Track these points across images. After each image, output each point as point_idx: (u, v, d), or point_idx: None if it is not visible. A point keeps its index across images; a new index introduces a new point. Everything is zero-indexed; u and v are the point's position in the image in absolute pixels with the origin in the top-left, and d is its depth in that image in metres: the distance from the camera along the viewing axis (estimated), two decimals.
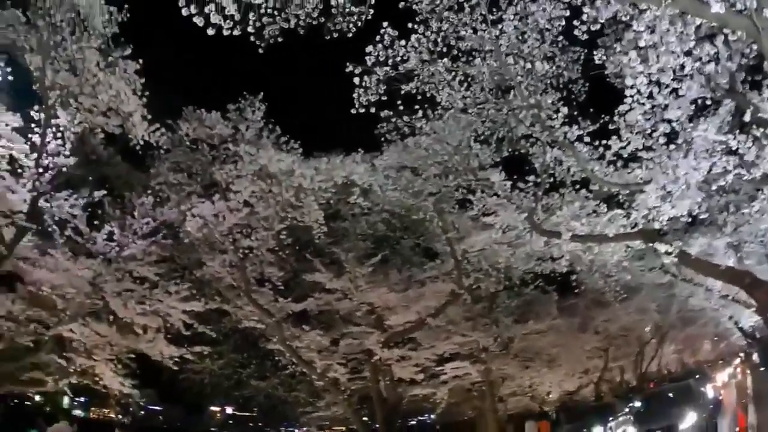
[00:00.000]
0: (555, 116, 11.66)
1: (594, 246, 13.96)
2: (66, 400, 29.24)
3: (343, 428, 30.49)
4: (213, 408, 34.63)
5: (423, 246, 21.84)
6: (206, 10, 7.57)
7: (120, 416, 31.63)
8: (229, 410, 34.22)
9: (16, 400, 25.66)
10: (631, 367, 31.36)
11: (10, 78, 14.28)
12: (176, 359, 17.70)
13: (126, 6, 13.45)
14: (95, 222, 15.87)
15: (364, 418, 23.23)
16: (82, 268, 15.36)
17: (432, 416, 30.37)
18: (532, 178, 13.67)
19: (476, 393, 25.62)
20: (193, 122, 16.00)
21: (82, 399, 31.74)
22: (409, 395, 22.80)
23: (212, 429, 34.29)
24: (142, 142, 14.22)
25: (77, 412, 33.31)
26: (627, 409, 22.05)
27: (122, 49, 13.81)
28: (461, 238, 18.23)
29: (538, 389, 29.87)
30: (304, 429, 30.35)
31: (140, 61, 13.81)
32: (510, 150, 14.77)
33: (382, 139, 14.80)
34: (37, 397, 26.86)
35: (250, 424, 32.68)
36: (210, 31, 7.81)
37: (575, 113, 11.87)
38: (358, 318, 20.20)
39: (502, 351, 23.98)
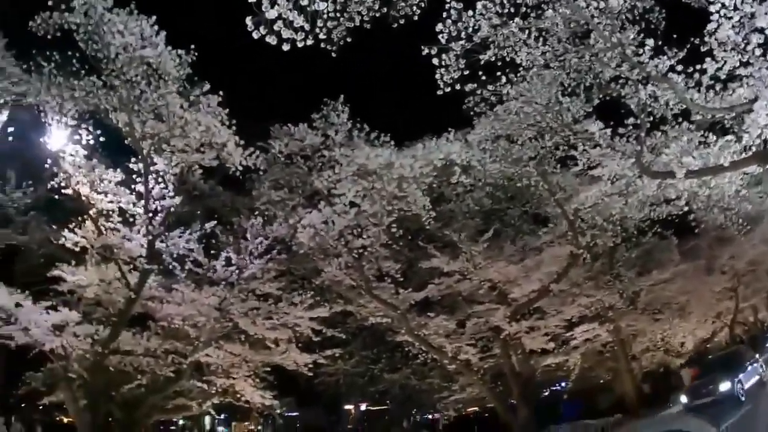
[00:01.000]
0: (641, 51, 10.87)
1: (709, 179, 13.09)
2: (208, 420, 30.76)
3: (476, 408, 30.22)
4: (347, 407, 35.35)
5: (532, 213, 21.18)
6: (276, 27, 7.56)
7: (260, 427, 33.00)
8: (363, 407, 34.81)
9: (161, 427, 27.05)
10: (764, 303, 29.22)
11: (101, 139, 15.12)
12: (310, 365, 18.10)
13: (192, 47, 13.97)
14: (212, 251, 16.50)
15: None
16: (208, 296, 15.97)
17: (565, 384, 29.54)
18: (630, 120, 12.84)
19: (608, 354, 24.67)
20: (284, 138, 16.20)
21: (222, 416, 33.19)
22: (541, 366, 22.24)
23: (348, 427, 35.03)
24: (240, 168, 14.51)
25: (221, 429, 35.05)
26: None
27: (200, 86, 14.25)
28: (569, 197, 17.57)
29: (671, 341, 28.31)
30: (436, 415, 30.44)
31: (220, 93, 14.26)
32: (601, 96, 13.96)
33: (471, 113, 14.37)
34: (181, 421, 28.29)
35: (386, 417, 33.04)
36: (285, 47, 7.80)
37: (660, 44, 10.99)
38: (480, 296, 19.85)
39: (629, 307, 22.99)
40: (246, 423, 36.09)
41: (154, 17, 13.37)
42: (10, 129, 15.97)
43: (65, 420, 29.01)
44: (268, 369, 18.42)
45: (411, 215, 16.23)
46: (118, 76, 13.97)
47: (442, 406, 25.66)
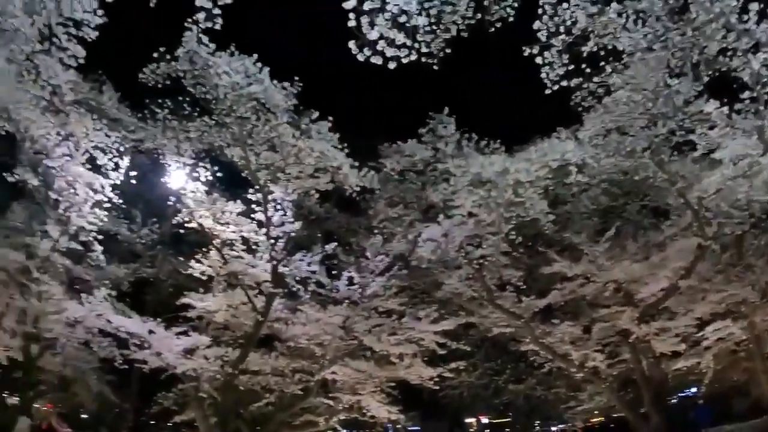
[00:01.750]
0: (745, 17, 10.06)
1: None
2: None
3: (602, 419, 29.00)
4: (468, 420, 35.03)
5: (652, 206, 20.06)
6: (379, 47, 7.66)
7: None
8: (484, 420, 34.38)
9: None
10: None
11: (219, 174, 15.84)
12: (435, 379, 17.95)
13: (296, 78, 14.35)
14: (333, 272, 16.84)
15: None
16: (332, 316, 16.30)
17: (697, 390, 27.80)
18: (746, 94, 11.73)
19: (743, 354, 22.85)
20: (394, 156, 16.30)
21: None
22: (672, 370, 20.94)
23: None
24: (357, 189, 14.66)
25: None
26: None
27: (308, 115, 14.56)
28: (690, 185, 16.37)
29: None
30: (560, 426, 29.46)
31: (329, 118, 14.52)
32: (710, 73, 12.88)
33: (579, 109, 13.86)
34: None
35: (507, 430, 32.43)
36: (391, 65, 7.90)
37: (764, 6, 10.08)
38: (605, 299, 18.92)
39: (763, 300, 21.21)
40: None
41: (255, 55, 13.83)
42: (133, 173, 17.08)
43: None
44: (393, 384, 18.46)
45: (529, 221, 15.78)
46: (228, 114, 14.60)
47: (569, 417, 24.80)
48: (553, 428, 30.70)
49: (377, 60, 7.71)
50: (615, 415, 27.66)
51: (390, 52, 7.74)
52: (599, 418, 28.33)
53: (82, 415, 23.98)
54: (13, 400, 20.27)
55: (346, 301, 16.33)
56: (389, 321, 16.66)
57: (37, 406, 21.66)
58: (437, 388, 18.78)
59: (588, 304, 19.29)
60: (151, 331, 16.86)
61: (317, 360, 16.85)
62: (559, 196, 18.11)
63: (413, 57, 8.04)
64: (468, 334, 19.33)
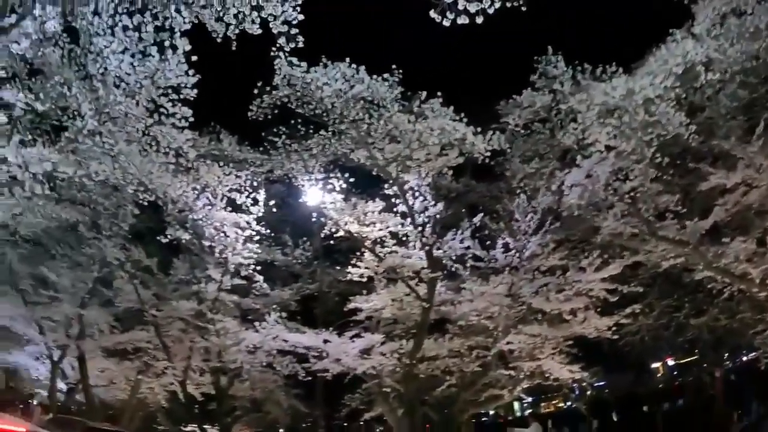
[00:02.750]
0: None
1: None
2: (516, 405, 31.03)
3: None
4: (653, 365, 33.66)
5: None
6: (460, 6, 7.47)
7: (568, 403, 32.62)
8: (670, 362, 32.84)
9: (473, 420, 27.86)
10: None
11: (351, 179, 16.44)
12: (612, 328, 17.34)
13: (393, 66, 14.59)
14: (487, 243, 16.72)
15: None
16: (496, 286, 16.34)
17: None
18: None
19: None
20: (514, 111, 15.98)
21: (529, 400, 33.44)
22: None
23: (660, 386, 33.15)
24: (488, 154, 14.57)
25: (529, 411, 35.43)
26: None
27: (417, 97, 14.72)
28: None
29: None
30: (751, 355, 27.41)
31: (438, 94, 14.57)
32: None
33: (686, 1, 13.21)
34: (491, 411, 29.01)
35: (694, 368, 30.65)
36: (479, 20, 7.59)
37: None
38: None
39: None
40: (554, 401, 36.20)
41: (347, 59, 14.13)
42: (271, 202, 18.03)
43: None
44: (570, 342, 18.03)
45: (670, 138, 14.86)
46: (342, 121, 15.11)
47: (760, 343, 23.01)
48: (744, 358, 28.80)
49: (463, 20, 7.55)
50: None
51: (473, 7, 7.57)
52: None
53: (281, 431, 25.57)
54: (214, 430, 22.01)
55: (507, 268, 16.26)
56: (554, 278, 16.36)
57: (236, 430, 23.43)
58: (616, 337, 18.09)
59: (756, 214, 17.80)
60: (326, 341, 17.74)
61: (490, 333, 16.89)
62: (695, 103, 16.81)
63: (497, 4, 7.79)
64: (637, 275, 18.48)
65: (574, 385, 22.17)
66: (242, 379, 20.70)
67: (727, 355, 28.26)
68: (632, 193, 15.21)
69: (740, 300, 20.70)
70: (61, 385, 25.67)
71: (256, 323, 18.89)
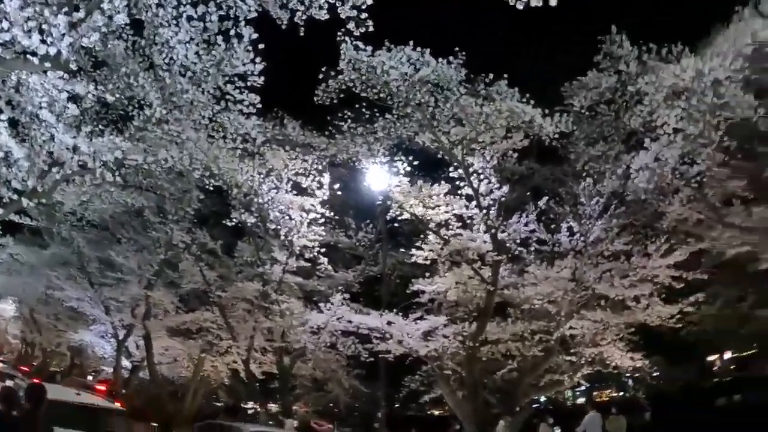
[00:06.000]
0: None
1: None
2: (569, 393, 30.85)
3: None
4: (710, 358, 33.09)
5: None
6: None
7: (622, 393, 32.20)
8: (728, 355, 32.17)
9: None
10: None
11: (415, 162, 16.60)
12: (676, 317, 17.22)
13: (457, 49, 14.68)
14: (551, 226, 16.80)
15: None
16: (560, 270, 16.44)
17: None
18: None
19: None
20: (580, 93, 15.98)
21: (582, 388, 33.29)
22: None
23: (715, 380, 32.55)
24: (555, 136, 14.64)
25: (580, 401, 35.36)
26: None
27: (482, 80, 14.74)
28: None
29: None
30: None
31: (505, 76, 14.65)
32: None
33: None
34: (542, 398, 29.04)
35: (748, 363, 29.98)
36: (553, 1, 7.43)
37: None
38: None
39: None
40: (608, 390, 35.98)
41: (411, 42, 14.25)
42: (336, 186, 18.47)
43: (435, 413, 32.43)
44: (633, 330, 17.97)
45: (739, 121, 14.66)
46: (407, 105, 15.28)
47: None
48: None
49: (537, 2, 7.46)
50: None
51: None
52: None
53: (337, 410, 26.16)
54: (274, 407, 22.72)
55: (571, 252, 16.31)
56: (618, 264, 16.30)
57: (296, 408, 24.13)
58: (679, 326, 17.97)
59: None
60: (389, 323, 18.16)
61: (553, 318, 16.96)
62: (764, 85, 16.60)
63: None
64: (701, 262, 18.30)
65: (629, 374, 21.99)
66: (305, 359, 21.28)
67: None
68: (699, 178, 15.08)
69: None
70: (126, 363, 26.90)
71: (321, 304, 19.43)
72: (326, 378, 22.80)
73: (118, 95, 11.73)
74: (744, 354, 30.83)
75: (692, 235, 16.72)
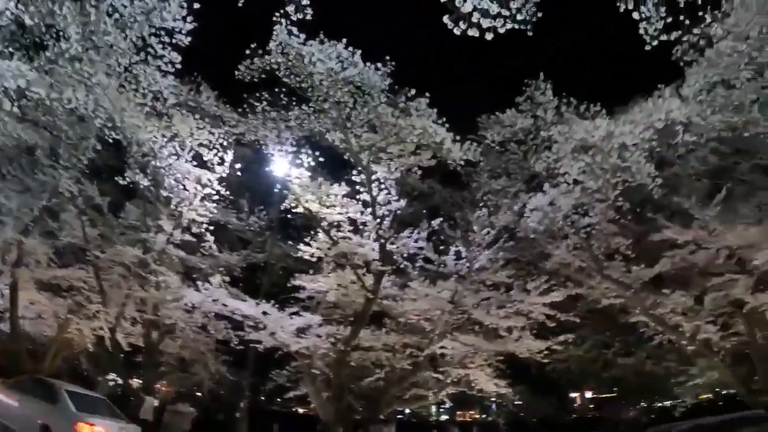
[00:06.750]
0: None
1: None
2: (434, 408, 31.59)
3: (710, 395, 27.80)
4: (573, 394, 34.70)
5: (763, 165, 19.04)
6: (474, 19, 7.69)
7: (484, 415, 33.39)
8: (588, 394, 33.90)
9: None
10: None
11: (321, 159, 16.36)
12: (543, 352, 17.82)
13: (387, 57, 14.49)
14: (440, 247, 16.99)
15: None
16: (441, 290, 16.62)
17: None
18: None
19: None
20: (494, 127, 16.25)
21: (447, 406, 34.19)
22: None
23: (574, 415, 34.24)
24: (461, 162, 14.74)
25: (444, 418, 36.32)
26: None
27: (405, 93, 14.70)
28: None
29: None
30: (667, 402, 28.49)
31: (427, 94, 14.63)
32: None
33: (681, 63, 13.33)
34: (407, 410, 29.56)
35: (610, 405, 31.79)
36: (488, 36, 7.91)
37: None
38: (718, 267, 18.03)
39: None
40: (471, 411, 37.12)
41: (344, 40, 14.08)
42: (237, 165, 17.83)
43: (300, 411, 32.34)
44: (501, 358, 18.51)
45: (635, 186, 15.35)
46: (326, 100, 15.07)
47: (679, 392, 24.06)
48: (659, 404, 29.85)
49: (474, 32, 7.75)
50: (724, 392, 26.62)
51: (486, 22, 7.78)
52: (707, 395, 27.27)
53: (201, 395, 25.40)
54: (137, 382, 21.73)
55: (454, 275, 16.57)
56: (497, 294, 16.78)
57: (158, 386, 23.17)
58: (545, 361, 18.63)
59: (699, 273, 18.45)
60: (264, 313, 17.70)
61: (426, 335, 17.21)
62: (666, 159, 17.42)
63: (509, 25, 8.03)
64: (576, 306, 19.05)
65: (493, 399, 22.73)
66: (174, 336, 20.46)
67: (642, 398, 29.38)
68: (588, 229, 15.67)
69: (668, 349, 21.63)
70: None
71: (199, 283, 18.70)
72: (193, 359, 21.97)
73: (37, 20, 10.73)
74: (603, 396, 32.62)
75: (572, 280, 17.39)
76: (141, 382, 21.10)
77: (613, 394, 30.64)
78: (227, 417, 24.41)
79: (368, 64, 14.35)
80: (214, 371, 22.19)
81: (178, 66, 11.06)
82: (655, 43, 10.40)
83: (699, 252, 17.68)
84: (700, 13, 11.40)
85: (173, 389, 24.90)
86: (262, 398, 27.37)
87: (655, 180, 14.84)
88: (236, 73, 15.02)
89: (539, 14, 8.49)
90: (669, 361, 22.51)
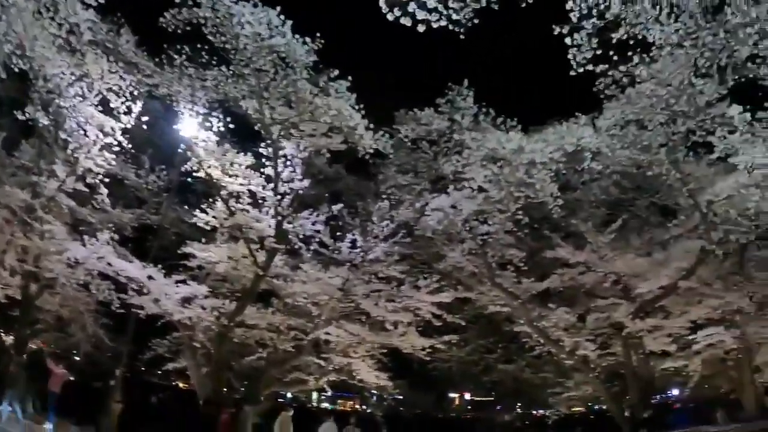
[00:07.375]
0: None
1: None
2: (315, 395, 31.60)
3: (583, 409, 29.21)
4: (452, 394, 35.54)
5: (660, 204, 20.04)
6: (410, 8, 7.64)
7: (364, 406, 33.68)
8: (467, 396, 34.82)
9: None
10: None
11: (231, 125, 15.75)
12: (427, 350, 18.07)
13: (317, 34, 14.08)
14: (337, 233, 16.82)
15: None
16: (332, 276, 16.44)
17: (679, 392, 27.97)
18: None
19: (731, 363, 22.88)
20: (410, 123, 16.19)
21: (328, 393, 34.26)
22: (659, 369, 21.08)
23: (452, 414, 35.15)
24: (370, 152, 14.57)
25: (325, 405, 36.37)
26: None
27: (328, 72, 14.35)
28: (702, 187, 16.38)
29: None
30: (541, 411, 29.70)
31: (349, 78, 14.30)
32: (736, 78, 12.80)
33: (602, 96, 13.70)
34: (289, 395, 29.34)
35: (488, 409, 32.85)
36: (420, 28, 7.87)
37: None
38: (603, 290, 19.00)
39: (759, 312, 21.15)
40: (351, 402, 37.37)
41: (278, 7, 13.56)
42: (144, 118, 16.96)
43: (181, 385, 31.44)
44: (385, 350, 18.65)
45: (537, 203, 15.76)
46: (247, 66, 14.48)
47: (554, 402, 25.10)
48: (534, 412, 31.08)
49: (406, 21, 7.67)
50: (597, 408, 28.01)
51: (421, 14, 7.71)
52: (580, 408, 28.61)
53: (76, 357, 24.17)
54: (9, 338, 20.38)
55: (348, 263, 16.45)
56: (388, 287, 16.84)
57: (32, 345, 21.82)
58: (428, 359, 18.90)
59: (585, 293, 19.34)
60: (150, 277, 16.93)
61: (312, 319, 17.02)
62: (570, 182, 18.06)
63: (443, 23, 7.97)
64: (464, 309, 19.42)
65: (374, 391, 22.91)
66: (54, 292, 19.27)
67: (519, 405, 30.56)
68: (485, 236, 15.93)
69: (547, 361, 22.50)
70: None
71: (86, 237, 17.70)
72: (71, 318, 20.83)
73: None
74: (481, 399, 33.73)
75: (463, 283, 17.71)
76: (14, 338, 19.78)
77: (491, 398, 31.66)
78: (103, 384, 23.34)
79: (297, 36, 13.89)
80: (91, 333, 21.10)
81: (102, 1, 10.56)
82: (581, 70, 10.60)
83: (588, 274, 18.46)
84: (630, 53, 11.75)
85: (49, 349, 23.58)
86: (142, 369, 26.26)
87: (557, 200, 15.30)
88: (161, 20, 14.16)
89: (476, 20, 8.47)
90: (547, 372, 23.41)
